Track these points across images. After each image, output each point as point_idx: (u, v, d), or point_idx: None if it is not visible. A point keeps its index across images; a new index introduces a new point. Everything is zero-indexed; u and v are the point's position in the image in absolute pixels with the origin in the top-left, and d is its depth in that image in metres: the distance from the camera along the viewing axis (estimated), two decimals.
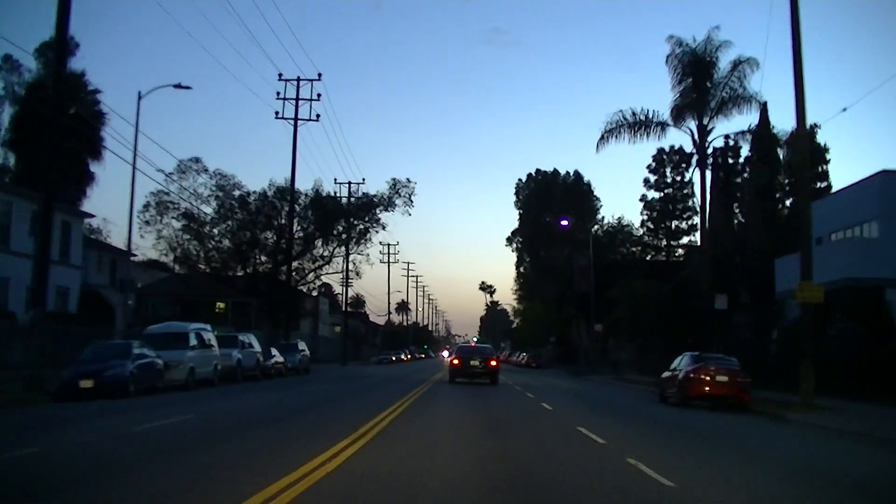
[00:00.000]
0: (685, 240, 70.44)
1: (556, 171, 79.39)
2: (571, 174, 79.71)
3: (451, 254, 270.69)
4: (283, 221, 46.73)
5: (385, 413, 15.96)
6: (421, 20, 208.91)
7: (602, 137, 30.17)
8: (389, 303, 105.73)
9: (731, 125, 30.66)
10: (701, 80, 27.47)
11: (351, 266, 49.55)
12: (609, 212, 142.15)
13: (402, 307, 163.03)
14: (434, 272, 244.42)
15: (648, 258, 70.56)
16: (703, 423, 16.98)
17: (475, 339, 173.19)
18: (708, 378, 19.79)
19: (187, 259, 47.47)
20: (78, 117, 39.65)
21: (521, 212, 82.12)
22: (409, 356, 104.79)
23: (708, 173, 28.62)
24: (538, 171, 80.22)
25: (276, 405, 19.10)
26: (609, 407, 21.01)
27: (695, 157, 28.22)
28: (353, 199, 46.53)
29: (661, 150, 70.68)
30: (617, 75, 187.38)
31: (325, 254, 47.01)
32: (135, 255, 48.56)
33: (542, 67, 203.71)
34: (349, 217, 46.32)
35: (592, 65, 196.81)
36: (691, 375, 19.97)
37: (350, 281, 71.70)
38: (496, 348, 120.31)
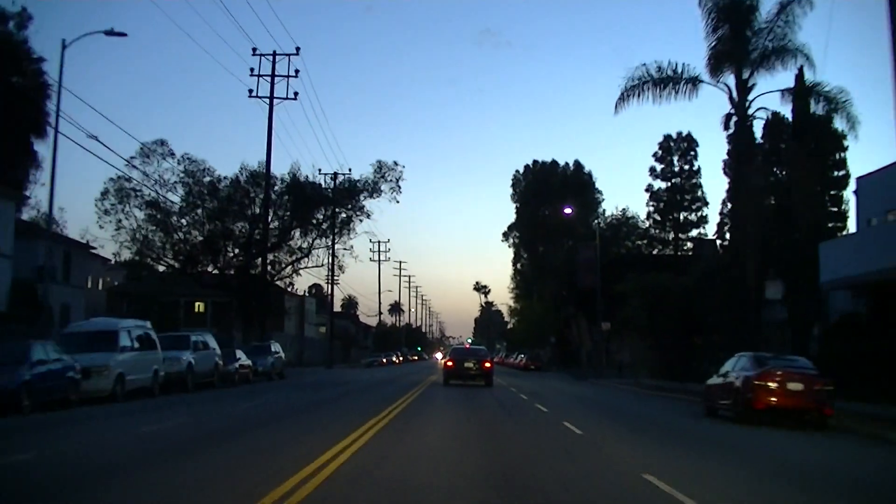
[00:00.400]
0: (694, 232, 65.91)
1: (554, 162, 74.88)
2: (571, 165, 75.17)
3: (445, 255, 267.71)
4: (258, 210, 42.01)
5: (346, 442, 11.30)
6: (412, 22, 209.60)
7: (622, 97, 25.66)
8: (380, 303, 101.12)
9: (774, 82, 26.81)
10: (740, 26, 23.00)
11: (332, 260, 44.90)
12: (612, 204, 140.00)
13: (395, 308, 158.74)
14: (427, 274, 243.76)
15: (655, 252, 66.00)
16: (793, 450, 12.46)
17: (469, 341, 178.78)
18: (776, 386, 15.19)
19: (150, 252, 42.62)
20: (19, 89, 34.86)
21: (518, 205, 77.54)
22: (400, 358, 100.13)
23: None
24: (536, 162, 75.79)
25: (195, 426, 14.44)
26: (651, 425, 16.36)
27: (733, 119, 23.63)
28: (335, 184, 41.65)
29: (667, 137, 66.27)
30: (610, 74, 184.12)
31: (304, 245, 42.30)
32: (94, 248, 43.82)
33: (533, 68, 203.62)
34: (330, 204, 41.57)
35: (584, 65, 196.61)
36: (755, 383, 15.32)
37: (336, 278, 67.05)
38: (491, 350, 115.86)
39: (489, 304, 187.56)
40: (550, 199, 73.28)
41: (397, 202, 41.42)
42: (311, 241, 42.20)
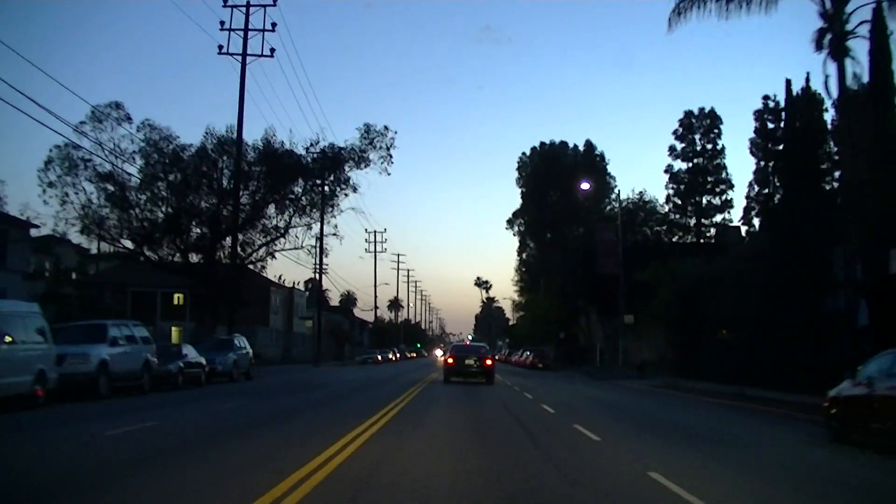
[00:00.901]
0: (718, 217, 59.93)
1: (563, 143, 68.84)
2: (581, 146, 69.14)
3: (445, 252, 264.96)
4: (227, 183, 36.02)
5: None
6: (411, 19, 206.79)
7: (677, 9, 19.85)
8: (376, 296, 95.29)
9: None
10: None
11: (313, 242, 38.47)
12: (626, 188, 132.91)
13: (394, 304, 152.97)
14: (428, 270, 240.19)
15: (675, 239, 60.06)
16: None
17: (470, 338, 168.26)
18: None
19: (103, 231, 36.59)
20: None
21: (524, 190, 71.52)
22: (397, 355, 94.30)
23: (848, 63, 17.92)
24: (543, 144, 69.73)
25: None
26: (760, 459, 10.41)
27: (828, 37, 17.80)
28: (315, 152, 35.50)
29: (688, 114, 60.27)
30: (610, 70, 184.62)
31: (280, 224, 36.18)
32: (36, 227, 37.80)
33: (533, 65, 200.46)
34: (311, 177, 35.49)
35: (585, 61, 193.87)
36: None
37: (325, 267, 61.11)
38: (493, 347, 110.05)
39: (490, 300, 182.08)
40: (559, 183, 67.37)
41: (388, 174, 35.13)
42: (289, 218, 36.13)
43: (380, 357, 79.48)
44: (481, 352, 30.25)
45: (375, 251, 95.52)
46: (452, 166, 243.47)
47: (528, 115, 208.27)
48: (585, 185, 41.85)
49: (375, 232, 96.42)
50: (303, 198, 35.86)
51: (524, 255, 74.96)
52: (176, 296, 68.48)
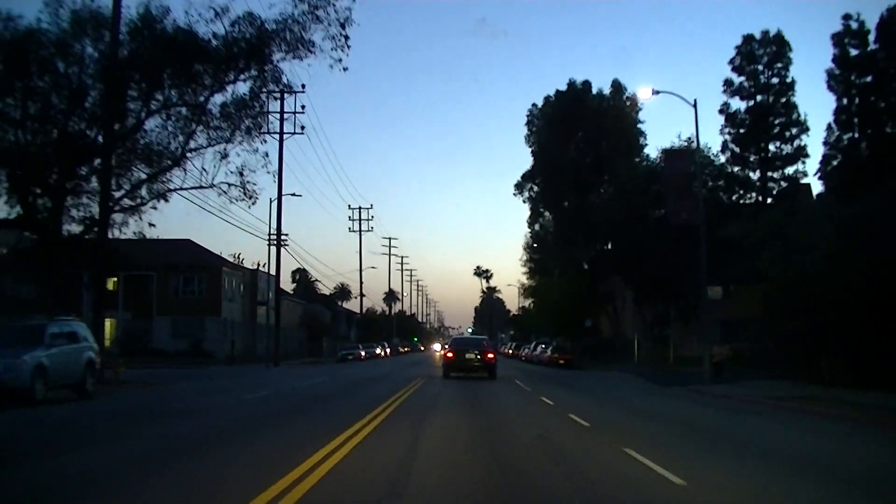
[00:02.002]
0: (790, 170, 46.80)
1: (586, 86, 55.31)
2: (607, 90, 55.71)
3: (443, 245, 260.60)
4: (91, 81, 22.62)
5: None
6: (407, 13, 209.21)
7: None
8: (362, 282, 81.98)
9: None
10: None
11: (234, 180, 24.46)
12: (663, 141, 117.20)
13: (390, 297, 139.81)
14: (426, 264, 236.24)
15: (735, 198, 47.05)
16: None
17: (469, 331, 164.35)
18: None
19: None
20: None
21: (536, 148, 58.11)
22: (387, 350, 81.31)
23: None
24: (559, 91, 56.27)
25: None
26: None
27: None
28: (225, 33, 21.88)
29: (749, 38, 47.10)
30: (605, 62, 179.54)
31: (175, 147, 22.57)
32: None
33: (529, 57, 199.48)
34: (222, 64, 21.78)
35: (581, 52, 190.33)
36: None
37: (285, 239, 47.94)
38: (494, 340, 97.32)
39: (491, 290, 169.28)
40: (583, 134, 54.08)
41: (344, 69, 21.32)
42: (187, 136, 22.52)
43: (363, 353, 66.37)
44: (483, 345, 28.92)
45: (360, 229, 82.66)
46: (448, 160, 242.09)
47: (525, 110, 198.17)
48: (646, 94, 28.04)
49: (360, 208, 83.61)
50: (204, 101, 22.31)
51: (536, 228, 61.62)
52: (110, 280, 55.43)
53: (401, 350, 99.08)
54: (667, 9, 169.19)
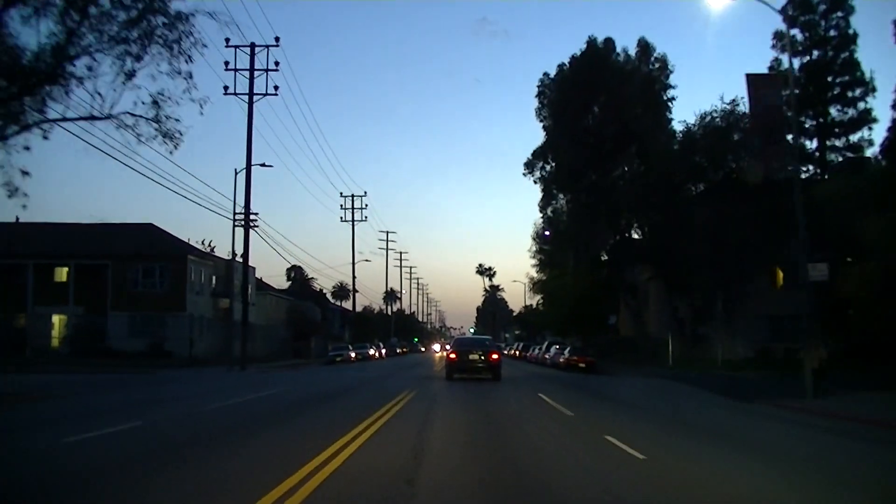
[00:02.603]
0: (854, 137, 39.62)
1: (608, 46, 47.92)
2: (633, 50, 48.30)
3: (445, 245, 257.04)
4: None
5: None
6: (407, 12, 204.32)
7: None
8: (354, 276, 74.73)
9: None
10: None
11: (147, 112, 17.27)
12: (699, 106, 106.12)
13: (391, 297, 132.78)
14: (427, 265, 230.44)
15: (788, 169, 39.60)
16: None
17: (472, 331, 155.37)
18: None
19: None
20: None
21: (549, 122, 50.78)
22: (382, 351, 74.18)
23: None
24: (575, 56, 48.89)
25: None
26: None
27: None
28: None
29: None
30: None
31: (47, 57, 15.31)
32: None
33: (531, 56, 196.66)
34: None
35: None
36: None
37: (254, 219, 40.92)
38: (497, 340, 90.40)
39: (494, 289, 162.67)
40: (604, 100, 46.82)
41: None
42: (66, 37, 15.30)
43: (353, 354, 59.21)
44: (487, 345, 28.10)
45: (353, 218, 75.49)
46: (450, 160, 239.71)
47: (527, 110, 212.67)
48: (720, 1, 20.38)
49: (353, 196, 76.42)
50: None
51: (548, 212, 54.33)
52: (57, 270, 48.15)
53: (398, 351, 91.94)
54: None
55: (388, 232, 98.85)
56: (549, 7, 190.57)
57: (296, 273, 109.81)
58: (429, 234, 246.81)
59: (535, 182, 52.59)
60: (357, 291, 75.95)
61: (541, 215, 53.91)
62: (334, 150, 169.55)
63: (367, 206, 78.37)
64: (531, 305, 64.91)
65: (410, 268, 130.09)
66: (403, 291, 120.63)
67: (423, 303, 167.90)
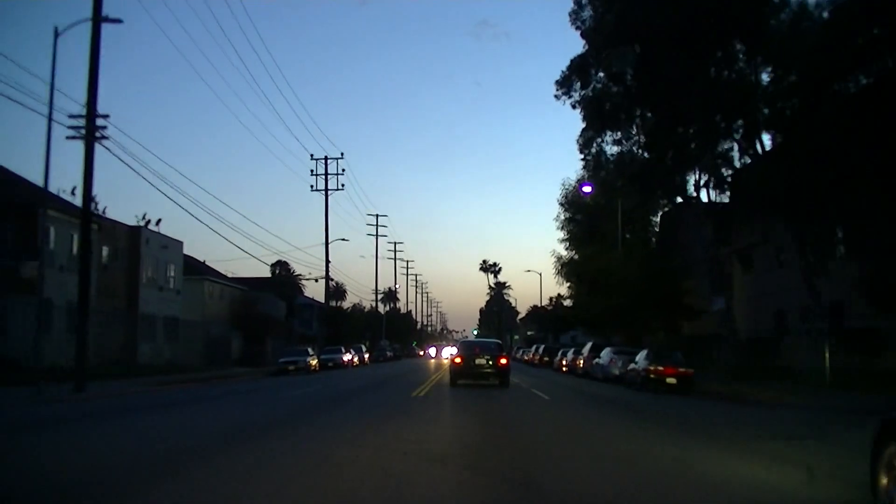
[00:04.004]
0: None
1: None
2: None
3: (446, 248, 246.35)
4: None
5: None
6: (407, 15, 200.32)
7: None
8: (328, 260, 57.51)
9: None
10: None
11: None
12: None
13: (390, 297, 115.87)
14: (428, 267, 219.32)
15: None
16: None
17: (475, 333, 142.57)
18: None
19: None
20: None
21: (596, 18, 33.99)
22: (365, 357, 57.66)
23: None
24: None
25: None
26: None
27: None
28: None
29: None
30: None
31: None
32: None
33: (531, 59, 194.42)
34: None
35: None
36: None
37: (102, 127, 23.67)
38: (506, 343, 74.49)
39: (500, 286, 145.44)
40: None
41: None
42: None
43: (313, 361, 42.26)
44: (494, 349, 25.70)
45: (326, 187, 58.47)
46: (450, 162, 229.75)
47: (526, 111, 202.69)
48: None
49: (326, 158, 59.49)
50: None
51: (592, 151, 37.07)
52: None
53: (388, 355, 75.09)
54: None
55: (377, 215, 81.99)
56: (551, 9, 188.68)
57: (280, 269, 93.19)
58: (429, 238, 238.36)
59: (574, 106, 35.56)
60: (332, 280, 58.93)
61: (581, 157, 36.63)
62: (333, 149, 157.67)
63: (343, 171, 61.33)
64: (557, 297, 47.53)
65: (407, 262, 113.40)
66: (398, 286, 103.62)
67: (422, 302, 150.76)
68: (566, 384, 29.21)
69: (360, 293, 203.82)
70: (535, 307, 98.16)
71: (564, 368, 42.37)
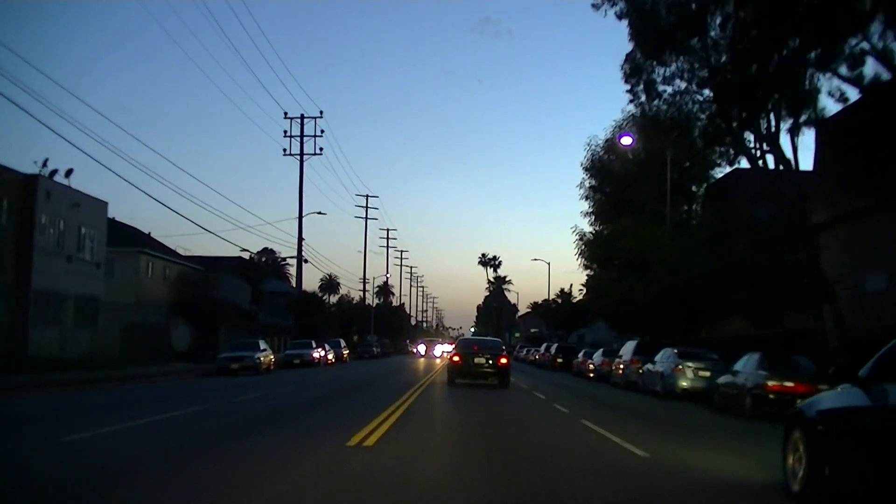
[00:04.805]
0: None
1: None
2: None
3: (445, 245, 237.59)
4: None
5: None
6: (409, 12, 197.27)
7: None
8: (301, 237, 47.79)
9: None
10: None
11: None
12: None
13: (384, 291, 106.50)
14: (425, 264, 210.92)
15: None
16: None
17: (472, 330, 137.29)
18: None
19: None
20: None
21: None
22: (344, 353, 48.48)
23: None
24: None
25: None
26: None
27: None
28: None
29: None
30: (612, 59, 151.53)
31: None
32: None
33: (535, 56, 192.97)
34: None
35: (586, 52, 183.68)
36: None
37: None
38: (507, 341, 64.69)
39: (500, 280, 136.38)
40: None
41: None
42: None
43: (264, 358, 32.51)
44: (494, 347, 24.89)
45: (302, 149, 48.88)
46: (453, 162, 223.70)
47: (529, 108, 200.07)
48: None
49: (302, 117, 49.89)
50: None
51: (640, 87, 27.28)
52: None
53: (375, 351, 65.77)
54: None
55: (367, 196, 72.49)
56: (554, 6, 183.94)
57: (267, 257, 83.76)
58: (428, 236, 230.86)
59: (620, 17, 26.00)
60: (307, 261, 49.22)
61: (627, 89, 26.80)
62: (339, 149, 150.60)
63: (322, 132, 51.87)
64: (596, 265, 37.59)
65: (401, 251, 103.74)
66: (389, 275, 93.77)
67: (417, 297, 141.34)
68: (613, 401, 19.75)
69: (357, 288, 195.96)
70: (535, 304, 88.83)
71: (591, 374, 32.94)
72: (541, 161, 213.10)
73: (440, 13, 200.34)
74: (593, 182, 38.09)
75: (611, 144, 37.22)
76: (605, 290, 35.03)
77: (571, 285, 68.68)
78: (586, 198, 38.09)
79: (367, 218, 74.77)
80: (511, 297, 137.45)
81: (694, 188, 36.72)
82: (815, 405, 6.50)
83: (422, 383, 24.25)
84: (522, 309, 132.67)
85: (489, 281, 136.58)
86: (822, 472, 5.98)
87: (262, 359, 31.72)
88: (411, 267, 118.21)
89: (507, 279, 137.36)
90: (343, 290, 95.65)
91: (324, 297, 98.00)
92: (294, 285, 52.54)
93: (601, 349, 33.73)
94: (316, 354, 42.45)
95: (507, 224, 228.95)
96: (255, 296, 50.90)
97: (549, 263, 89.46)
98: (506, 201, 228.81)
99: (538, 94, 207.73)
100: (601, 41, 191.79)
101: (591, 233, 38.38)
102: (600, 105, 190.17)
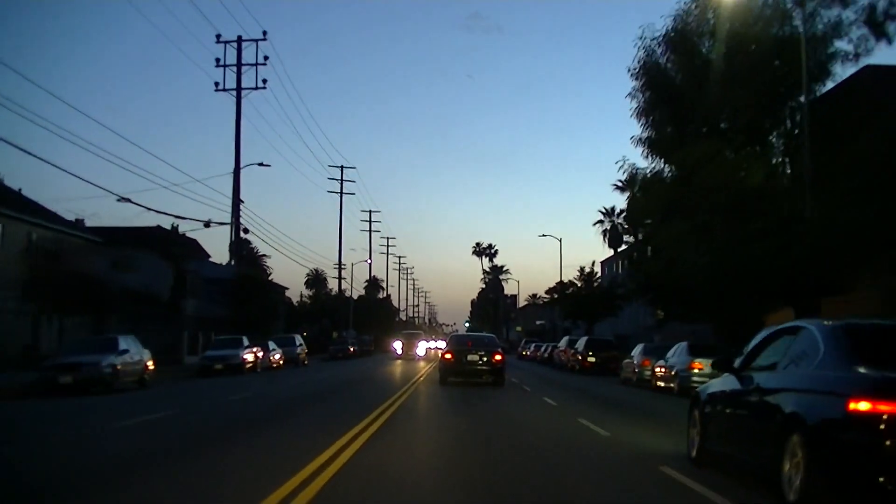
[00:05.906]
0: None
1: None
2: None
3: (437, 243, 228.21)
4: None
5: None
6: (398, 7, 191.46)
7: None
8: (237, 180, 34.73)
9: None
10: None
11: None
12: None
13: (373, 285, 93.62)
14: (420, 264, 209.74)
15: None
16: None
17: (466, 325, 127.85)
18: None
19: None
20: None
21: None
22: (276, 355, 35.54)
23: None
24: None
25: None
26: None
27: None
28: None
29: None
30: (600, 57, 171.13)
31: None
32: None
33: (524, 52, 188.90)
34: None
35: (576, 48, 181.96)
36: None
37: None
38: (499, 336, 57.55)
39: (496, 270, 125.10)
40: None
41: None
42: None
43: (129, 367, 19.47)
44: (489, 344, 24.10)
45: (239, 84, 35.95)
46: (444, 159, 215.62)
47: (519, 104, 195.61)
48: None
49: (239, 38, 37.01)
50: None
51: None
52: None
53: (349, 350, 53.04)
54: None
55: (342, 167, 59.95)
56: (544, 3, 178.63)
57: (248, 253, 71.05)
58: (421, 232, 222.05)
59: None
60: (248, 231, 36.17)
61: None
62: (329, 148, 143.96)
63: (266, 59, 38.85)
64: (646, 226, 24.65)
65: (387, 238, 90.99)
66: (370, 260, 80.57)
67: (407, 289, 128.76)
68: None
69: (347, 280, 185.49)
70: (535, 294, 76.90)
71: (660, 382, 20.34)
72: (535, 154, 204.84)
73: (429, 10, 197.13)
74: (649, 94, 25.19)
75: (679, 36, 24.42)
76: (682, 251, 22.28)
77: (594, 262, 55.88)
78: (639, 115, 25.14)
79: (341, 193, 62.26)
80: (510, 291, 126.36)
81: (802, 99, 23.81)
82: (707, 389, 8.21)
83: (380, 411, 11.53)
84: (522, 302, 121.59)
85: (484, 272, 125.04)
86: (711, 442, 7.67)
87: (116, 366, 18.77)
88: (399, 257, 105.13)
89: (504, 268, 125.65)
90: (331, 285, 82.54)
91: (312, 294, 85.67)
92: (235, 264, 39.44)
93: (678, 346, 21.04)
94: (248, 356, 29.76)
95: (501, 217, 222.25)
96: (177, 279, 38.03)
97: (560, 239, 76.99)
98: (495, 193, 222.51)
99: (526, 90, 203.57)
100: (590, 34, 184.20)
101: (651, 170, 25.51)
102: (590, 97, 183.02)
